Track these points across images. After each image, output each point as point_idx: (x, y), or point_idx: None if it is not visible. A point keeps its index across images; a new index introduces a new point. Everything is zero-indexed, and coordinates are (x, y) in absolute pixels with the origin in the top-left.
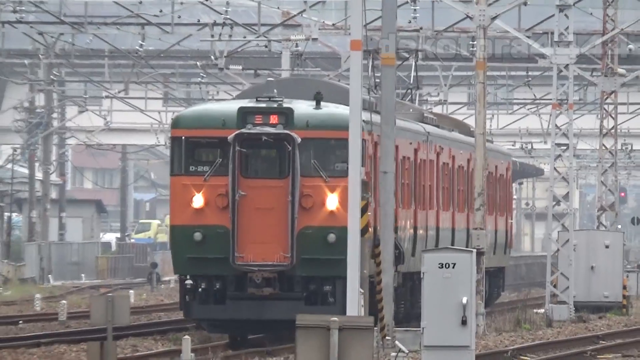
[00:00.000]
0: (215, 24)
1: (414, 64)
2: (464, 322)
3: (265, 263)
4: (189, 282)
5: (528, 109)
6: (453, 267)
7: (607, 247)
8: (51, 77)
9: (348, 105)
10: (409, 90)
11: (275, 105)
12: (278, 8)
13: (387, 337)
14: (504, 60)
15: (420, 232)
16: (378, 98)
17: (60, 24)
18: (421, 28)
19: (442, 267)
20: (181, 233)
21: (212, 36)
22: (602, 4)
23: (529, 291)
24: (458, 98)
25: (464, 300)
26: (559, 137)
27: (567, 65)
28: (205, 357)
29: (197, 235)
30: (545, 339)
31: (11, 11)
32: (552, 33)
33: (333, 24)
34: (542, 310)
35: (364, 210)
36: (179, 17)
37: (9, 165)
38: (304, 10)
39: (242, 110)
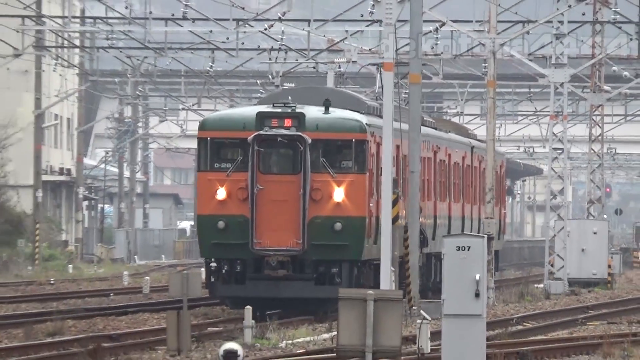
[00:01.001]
0: (272, 49)
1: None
2: (477, 295)
3: (279, 248)
4: (213, 264)
5: (530, 120)
6: (468, 250)
7: (595, 233)
8: (137, 92)
9: (353, 111)
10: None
11: (289, 110)
12: (324, 36)
13: (413, 307)
14: (510, 79)
15: (430, 220)
16: (382, 104)
17: (145, 49)
18: (442, 52)
19: (459, 249)
20: (206, 222)
21: (270, 59)
22: (591, 33)
23: (531, 269)
24: (472, 110)
25: (477, 276)
26: (556, 142)
27: (562, 83)
28: (263, 324)
29: (221, 224)
30: (544, 309)
31: (104, 38)
32: (550, 57)
33: (369, 49)
34: (541, 285)
35: (394, 203)
36: (243, 43)
37: (102, 165)
38: (346, 38)
39: (260, 115)
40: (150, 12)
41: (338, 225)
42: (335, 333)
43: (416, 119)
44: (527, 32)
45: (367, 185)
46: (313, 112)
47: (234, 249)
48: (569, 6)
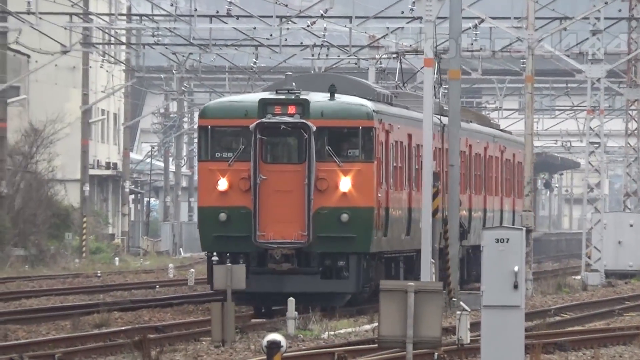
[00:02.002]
0: (315, 45)
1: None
2: (515, 286)
3: (284, 241)
4: (215, 258)
5: (567, 114)
6: (507, 242)
7: (631, 225)
8: (182, 88)
9: (360, 97)
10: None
11: (292, 97)
12: (365, 32)
13: (453, 299)
14: (548, 75)
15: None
16: (400, 93)
17: (190, 46)
18: (480, 49)
19: (498, 241)
20: (208, 214)
21: (312, 55)
22: (627, 29)
23: (568, 261)
24: (511, 105)
25: (516, 268)
26: (592, 136)
27: (599, 79)
28: (306, 315)
29: (222, 216)
30: (581, 300)
31: (150, 35)
32: (587, 53)
33: (410, 45)
34: (578, 277)
35: (435, 196)
36: (286, 39)
37: (148, 160)
38: (387, 35)
39: (262, 102)
40: (195, 10)
41: (345, 217)
42: (376, 324)
43: (455, 114)
44: (564, 29)
45: (375, 174)
46: (318, 98)
47: (237, 242)
48: (605, 3)
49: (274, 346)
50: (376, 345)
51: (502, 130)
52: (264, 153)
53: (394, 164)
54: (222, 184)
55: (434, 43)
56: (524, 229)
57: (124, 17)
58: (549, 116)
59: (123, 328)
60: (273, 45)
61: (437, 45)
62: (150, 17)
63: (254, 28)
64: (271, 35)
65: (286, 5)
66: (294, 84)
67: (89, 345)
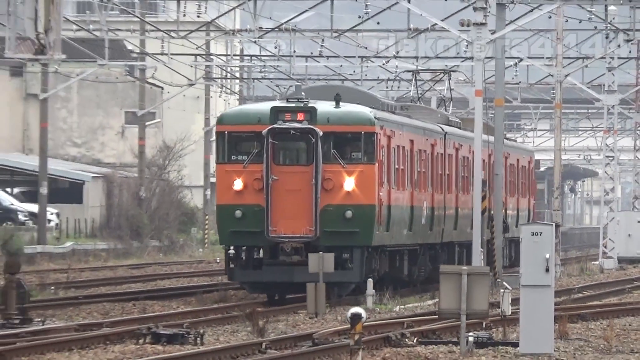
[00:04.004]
0: (388, 79)
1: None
2: (547, 270)
3: (293, 235)
4: (231, 251)
5: (588, 134)
6: (540, 235)
7: (638, 222)
8: None
9: (364, 105)
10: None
11: (301, 105)
12: (429, 69)
13: (498, 279)
14: (573, 102)
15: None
16: (412, 106)
17: (290, 80)
18: (520, 82)
19: (533, 234)
20: (225, 211)
21: (387, 87)
22: (635, 66)
23: (589, 250)
24: (543, 126)
25: (547, 255)
26: (608, 151)
27: (614, 105)
28: (382, 293)
29: (238, 213)
30: (599, 280)
31: (258, 72)
32: (604, 85)
33: (463, 80)
34: (597, 262)
35: (483, 198)
36: (365, 75)
37: None
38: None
39: (274, 109)
40: (294, 51)
41: (349, 213)
42: (437, 300)
43: (500, 134)
44: (586, 66)
45: (376, 174)
46: (324, 106)
47: (251, 236)
48: (619, 45)
49: (356, 317)
50: (437, 316)
51: (506, 138)
52: (275, 156)
53: (396, 166)
54: (238, 184)
55: (482, 77)
56: (554, 224)
57: (238, 57)
58: (574, 135)
59: (237, 303)
60: (356, 80)
61: (485, 79)
62: (258, 57)
63: (341, 66)
64: (354, 71)
65: (366, 48)
66: (303, 93)
67: (210, 317)
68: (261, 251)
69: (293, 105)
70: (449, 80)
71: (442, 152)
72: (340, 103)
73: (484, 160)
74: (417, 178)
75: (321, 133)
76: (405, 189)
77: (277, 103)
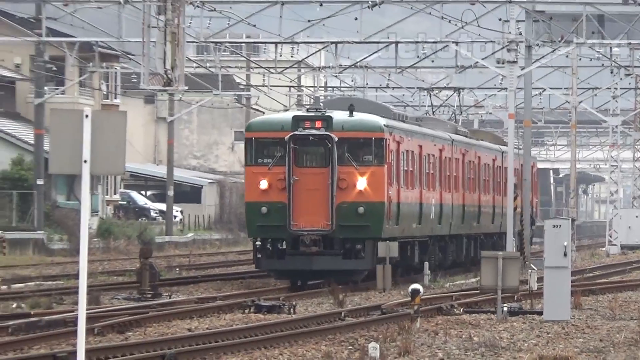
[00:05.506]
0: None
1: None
2: (565, 255)
3: (312, 229)
4: (258, 243)
5: (597, 148)
6: (560, 227)
7: (637, 217)
8: None
9: (375, 114)
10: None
11: (319, 114)
12: (472, 98)
13: (526, 262)
14: (585, 123)
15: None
16: (425, 118)
17: None
18: (543, 107)
19: (554, 227)
20: (252, 207)
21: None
22: (634, 95)
23: (597, 239)
24: (561, 142)
25: (565, 243)
26: (612, 161)
27: (617, 125)
28: (435, 272)
29: (264, 209)
30: (606, 263)
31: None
32: (609, 109)
33: (500, 105)
34: (604, 249)
35: (515, 199)
36: (421, 102)
37: None
38: (484, 99)
39: (295, 118)
40: (367, 83)
41: (361, 209)
42: (479, 278)
43: (528, 149)
44: (595, 95)
45: (385, 175)
46: (340, 115)
47: (275, 230)
48: (621, 79)
49: (415, 292)
50: (478, 291)
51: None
52: (296, 159)
53: (405, 168)
54: (264, 184)
55: (514, 104)
56: (570, 218)
57: (322, 88)
58: (586, 149)
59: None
60: (415, 106)
61: (516, 105)
62: (339, 88)
63: (403, 95)
64: (413, 99)
65: (423, 81)
66: (321, 104)
67: (301, 292)
68: (284, 243)
69: (312, 114)
70: (458, 96)
71: (449, 157)
72: (354, 112)
73: (488, 165)
74: (425, 178)
75: (336, 139)
76: (414, 188)
77: (297, 112)
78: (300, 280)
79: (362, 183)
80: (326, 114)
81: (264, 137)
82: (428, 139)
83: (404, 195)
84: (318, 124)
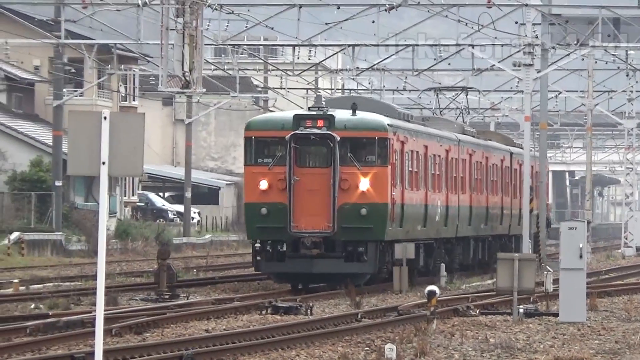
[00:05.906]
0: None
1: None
2: (580, 256)
3: (313, 230)
4: (257, 245)
5: (612, 150)
6: (575, 229)
7: None
8: None
9: (378, 114)
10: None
11: (321, 113)
12: (488, 100)
13: (542, 264)
14: (601, 125)
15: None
16: (432, 117)
17: None
18: (559, 110)
19: (570, 229)
20: (251, 208)
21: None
22: None
23: (613, 241)
24: (577, 144)
25: (581, 245)
26: (628, 164)
27: (632, 128)
28: (452, 274)
29: (263, 210)
30: (621, 265)
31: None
32: (624, 112)
33: (516, 108)
34: (620, 250)
35: (530, 201)
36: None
37: None
38: (501, 102)
39: (296, 117)
40: (384, 86)
41: (364, 211)
42: (495, 280)
43: (544, 150)
44: (611, 97)
45: (389, 176)
46: (342, 114)
47: (275, 231)
48: (636, 82)
49: (432, 293)
50: (494, 292)
51: (516, 145)
52: (297, 159)
53: (410, 169)
54: (263, 184)
55: (530, 106)
56: (586, 221)
57: (340, 91)
58: (601, 151)
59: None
60: (429, 109)
61: (532, 108)
62: (356, 90)
63: (420, 97)
64: (430, 102)
65: (439, 83)
66: (324, 103)
67: (319, 293)
68: (284, 245)
69: (313, 113)
70: (466, 95)
71: (456, 157)
72: (357, 111)
73: (496, 165)
74: (431, 179)
75: (339, 138)
76: (419, 189)
77: (299, 111)
78: (301, 284)
79: (364, 184)
80: (328, 113)
81: (264, 136)
82: (434, 139)
83: (408, 196)
84: (320, 122)
